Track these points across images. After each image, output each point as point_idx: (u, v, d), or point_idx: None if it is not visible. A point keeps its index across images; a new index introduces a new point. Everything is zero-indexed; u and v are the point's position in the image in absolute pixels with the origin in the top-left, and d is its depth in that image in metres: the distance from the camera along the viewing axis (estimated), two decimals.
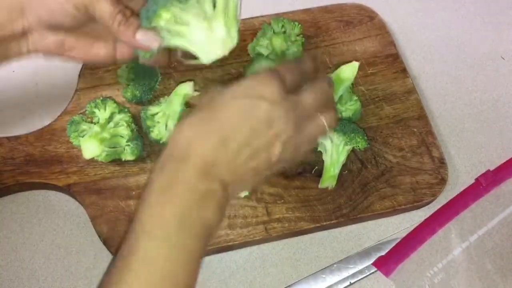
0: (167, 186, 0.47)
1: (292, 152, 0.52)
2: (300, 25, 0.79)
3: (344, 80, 0.73)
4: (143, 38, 0.54)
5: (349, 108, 0.74)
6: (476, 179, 0.72)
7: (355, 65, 0.72)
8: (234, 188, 0.50)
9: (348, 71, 0.73)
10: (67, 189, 0.69)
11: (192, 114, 0.50)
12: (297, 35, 0.79)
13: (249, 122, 0.49)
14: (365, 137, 0.71)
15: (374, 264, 0.67)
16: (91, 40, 0.58)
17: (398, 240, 0.68)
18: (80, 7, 0.53)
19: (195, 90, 0.72)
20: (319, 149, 0.71)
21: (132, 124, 0.70)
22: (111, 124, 0.70)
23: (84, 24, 0.56)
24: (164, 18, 0.53)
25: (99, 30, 0.57)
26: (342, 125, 0.70)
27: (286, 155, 0.51)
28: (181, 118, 0.51)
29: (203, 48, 0.55)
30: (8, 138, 0.72)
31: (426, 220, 0.69)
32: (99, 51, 0.58)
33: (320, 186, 0.70)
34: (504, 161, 0.74)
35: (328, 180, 0.69)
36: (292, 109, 0.50)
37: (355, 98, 0.75)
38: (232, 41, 0.56)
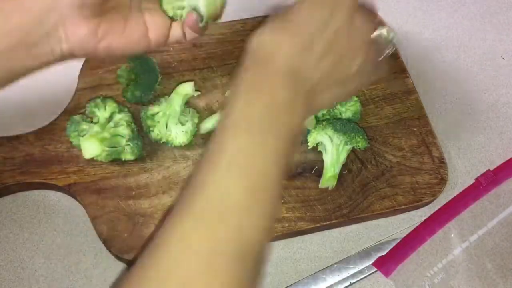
0: (252, 87, 0.46)
1: (370, 66, 0.53)
2: None
3: None
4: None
5: (349, 108, 0.74)
6: (476, 179, 0.72)
7: None
8: (316, 100, 0.50)
9: None
10: (67, 189, 0.69)
11: (272, 20, 0.49)
12: None
13: (331, 28, 0.49)
14: (365, 137, 0.71)
15: (374, 264, 0.67)
16: (122, 20, 0.54)
17: (398, 240, 0.68)
18: None
19: (195, 90, 0.72)
20: (319, 149, 0.71)
21: (132, 124, 0.70)
22: (111, 124, 0.70)
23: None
24: None
25: (132, 18, 0.55)
26: (342, 125, 0.70)
27: (366, 67, 0.53)
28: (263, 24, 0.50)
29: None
30: (8, 138, 0.72)
31: (426, 220, 0.70)
32: (132, 33, 0.55)
33: (320, 186, 0.70)
34: (504, 161, 0.75)
35: (328, 180, 0.69)
36: (364, 24, 0.52)
37: (355, 98, 0.75)
38: None
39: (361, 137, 0.70)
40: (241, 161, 0.43)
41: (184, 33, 0.57)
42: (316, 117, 0.73)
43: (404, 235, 0.70)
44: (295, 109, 0.47)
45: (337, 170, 0.70)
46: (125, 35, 0.54)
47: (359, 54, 0.52)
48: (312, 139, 0.71)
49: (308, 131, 0.71)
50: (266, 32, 0.49)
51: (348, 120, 0.72)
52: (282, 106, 0.46)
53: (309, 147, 0.71)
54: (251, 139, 0.44)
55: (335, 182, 0.70)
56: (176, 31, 0.57)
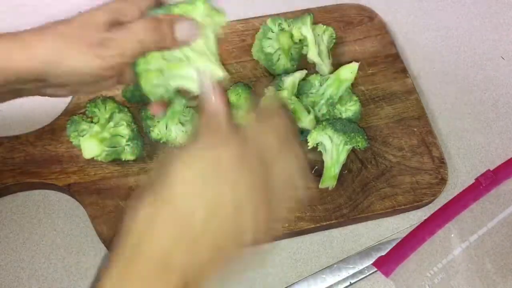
0: (125, 277, 0.41)
1: (271, 217, 0.45)
2: (332, 28, 0.80)
3: (344, 81, 0.73)
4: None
5: (349, 108, 0.74)
6: (476, 179, 0.72)
7: (354, 66, 0.73)
8: (200, 279, 0.42)
9: (348, 72, 0.73)
10: (67, 189, 0.69)
11: (145, 193, 0.43)
12: (332, 38, 0.80)
13: (207, 199, 0.42)
14: (365, 137, 0.71)
15: (374, 264, 0.67)
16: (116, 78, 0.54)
17: (398, 240, 0.68)
18: (118, 64, 0.49)
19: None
20: (319, 149, 0.71)
21: (132, 124, 0.70)
22: (111, 124, 0.70)
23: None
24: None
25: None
26: (342, 125, 0.70)
27: (261, 224, 0.44)
28: (133, 200, 0.44)
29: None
30: (8, 138, 0.72)
31: (425, 220, 0.69)
32: (106, 85, 0.54)
33: (320, 186, 0.70)
34: (504, 161, 0.75)
35: (328, 180, 0.69)
36: (256, 172, 0.44)
37: (355, 98, 0.75)
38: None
39: (361, 137, 0.70)
40: None
41: None
42: (316, 117, 0.73)
43: (404, 235, 0.70)
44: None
45: (337, 170, 0.70)
46: (97, 88, 0.54)
47: (250, 222, 0.43)
48: (312, 139, 0.71)
49: (308, 131, 0.71)
50: (138, 215, 0.42)
51: (348, 120, 0.72)
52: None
53: (309, 147, 0.71)
54: None
55: (335, 182, 0.70)
56: None
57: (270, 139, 0.47)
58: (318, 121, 0.73)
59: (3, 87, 0.49)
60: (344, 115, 0.74)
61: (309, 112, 0.72)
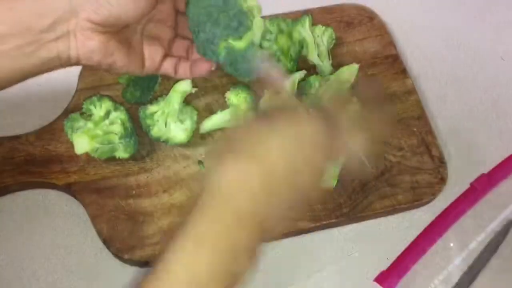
0: (202, 234, 0.45)
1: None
2: (331, 28, 0.80)
3: (344, 82, 0.73)
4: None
5: (350, 110, 0.74)
6: (471, 184, 0.72)
7: (354, 67, 0.73)
8: (267, 234, 0.49)
9: (348, 73, 0.73)
10: (67, 189, 0.70)
11: (232, 152, 0.48)
12: (332, 39, 0.80)
13: (293, 166, 0.48)
14: None
15: (376, 280, 0.67)
16: (128, 43, 0.56)
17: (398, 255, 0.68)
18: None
19: (193, 87, 0.72)
20: None
21: (127, 122, 0.70)
22: (106, 122, 0.70)
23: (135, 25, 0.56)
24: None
25: (134, 41, 0.57)
26: None
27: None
28: (218, 151, 0.50)
29: None
30: (8, 138, 0.72)
31: (423, 231, 0.69)
32: (135, 56, 0.57)
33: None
34: (497, 163, 0.75)
35: (329, 180, 0.69)
36: (331, 143, 0.51)
37: (355, 100, 0.74)
38: None
39: None
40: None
41: (175, 70, 0.60)
42: None
43: (404, 234, 0.70)
44: (243, 254, 0.47)
45: (338, 170, 0.70)
46: (128, 56, 0.56)
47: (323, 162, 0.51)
48: None
49: None
50: (227, 169, 0.47)
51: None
52: (229, 256, 0.46)
53: None
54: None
55: (335, 182, 0.70)
56: (167, 65, 0.59)
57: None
58: None
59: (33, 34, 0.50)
60: None
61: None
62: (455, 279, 0.66)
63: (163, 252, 0.45)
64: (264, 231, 0.48)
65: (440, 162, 0.72)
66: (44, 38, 0.51)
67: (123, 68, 0.56)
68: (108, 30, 0.53)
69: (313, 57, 0.76)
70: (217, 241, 0.45)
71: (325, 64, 0.77)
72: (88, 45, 0.52)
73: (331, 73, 0.76)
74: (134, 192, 0.69)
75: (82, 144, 0.68)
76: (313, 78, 0.74)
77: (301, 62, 0.78)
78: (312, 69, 0.78)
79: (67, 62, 0.54)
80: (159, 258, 0.45)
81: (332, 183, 0.69)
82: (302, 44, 0.77)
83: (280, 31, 0.77)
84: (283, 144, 0.48)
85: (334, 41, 0.80)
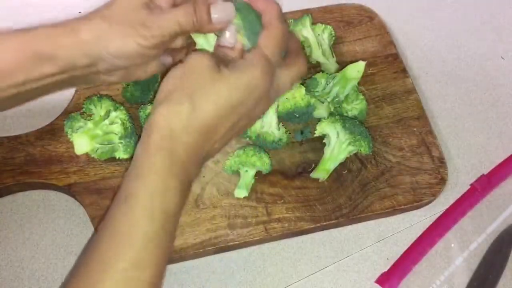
0: (167, 168, 0.47)
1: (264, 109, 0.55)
2: (330, 27, 0.80)
3: (351, 79, 0.73)
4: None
5: (355, 107, 0.74)
6: (471, 185, 0.72)
7: (361, 64, 0.73)
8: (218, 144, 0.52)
9: (355, 70, 0.73)
10: (67, 189, 0.69)
11: (176, 94, 0.49)
12: (332, 36, 0.80)
13: (236, 113, 0.50)
14: (370, 145, 0.70)
15: (377, 281, 0.67)
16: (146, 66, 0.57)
17: (399, 256, 0.68)
18: (158, 44, 0.52)
19: None
20: (324, 140, 0.71)
21: (127, 122, 0.70)
22: (106, 122, 0.70)
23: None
24: None
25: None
26: (352, 125, 0.70)
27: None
28: (168, 88, 0.50)
29: None
30: (8, 138, 0.72)
31: (424, 232, 0.70)
32: (153, 67, 0.57)
33: (311, 175, 0.70)
34: (497, 164, 0.75)
35: (321, 172, 0.69)
36: (277, 89, 0.54)
37: (361, 97, 0.75)
38: None
39: (366, 142, 0.69)
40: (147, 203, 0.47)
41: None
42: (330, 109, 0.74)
43: (404, 235, 0.70)
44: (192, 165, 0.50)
45: (333, 166, 0.70)
46: (146, 71, 0.57)
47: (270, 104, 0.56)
48: (320, 128, 0.71)
49: (307, 132, 0.72)
50: (174, 106, 0.49)
51: (361, 123, 0.72)
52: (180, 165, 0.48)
53: (315, 135, 0.71)
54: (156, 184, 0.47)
55: (327, 177, 0.70)
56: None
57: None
58: (331, 113, 0.73)
59: (57, 76, 0.51)
60: (350, 114, 0.74)
61: (322, 102, 0.72)
62: (456, 279, 0.67)
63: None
64: (204, 161, 0.51)
65: (440, 163, 0.72)
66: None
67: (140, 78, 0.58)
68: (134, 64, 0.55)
69: (317, 56, 0.77)
70: (179, 174, 0.48)
71: (330, 62, 0.77)
72: (109, 80, 0.56)
73: (337, 71, 0.76)
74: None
75: (82, 144, 0.68)
76: (319, 76, 0.74)
77: None
78: (312, 69, 0.78)
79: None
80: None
81: (324, 176, 0.69)
82: (303, 44, 0.77)
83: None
84: (229, 94, 0.49)
85: (334, 38, 0.80)
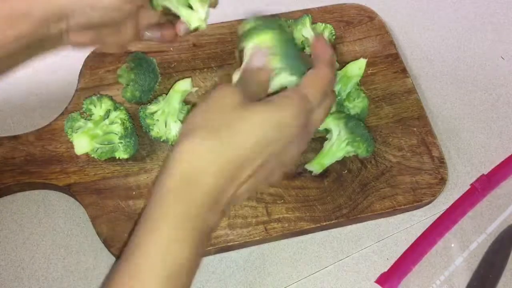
0: (177, 216, 0.45)
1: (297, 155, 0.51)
2: (331, 25, 0.80)
3: (352, 77, 0.73)
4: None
5: (357, 105, 0.74)
6: (471, 185, 0.72)
7: (362, 62, 0.73)
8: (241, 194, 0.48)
9: (356, 68, 0.73)
10: (67, 189, 0.69)
11: (200, 130, 0.46)
12: (332, 34, 0.80)
13: (265, 152, 0.47)
14: (369, 149, 0.70)
15: (377, 281, 0.67)
16: (117, 28, 0.57)
17: (399, 256, 0.68)
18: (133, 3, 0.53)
19: (193, 87, 0.72)
20: (326, 135, 0.72)
21: (127, 122, 0.70)
22: (106, 121, 0.70)
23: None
24: None
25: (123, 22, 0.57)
26: (355, 125, 0.70)
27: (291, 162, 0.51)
28: (185, 128, 0.48)
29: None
30: (8, 138, 0.72)
31: (425, 232, 0.70)
32: (126, 32, 0.57)
33: (305, 166, 0.70)
34: (497, 164, 0.75)
35: (316, 165, 0.70)
36: (308, 130, 0.51)
37: (363, 95, 0.74)
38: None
39: (364, 145, 0.69)
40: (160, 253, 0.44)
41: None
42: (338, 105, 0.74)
43: (404, 235, 0.70)
44: (212, 215, 0.46)
45: (328, 161, 0.70)
46: (121, 36, 0.57)
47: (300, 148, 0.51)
48: (324, 122, 0.70)
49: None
50: (194, 148, 0.46)
51: (358, 117, 0.72)
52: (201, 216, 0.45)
53: (319, 129, 0.71)
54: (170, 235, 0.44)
55: (320, 171, 0.70)
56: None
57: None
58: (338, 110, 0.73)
59: (29, 37, 0.51)
60: (352, 112, 0.74)
61: None
62: (457, 279, 0.67)
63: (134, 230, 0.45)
64: (225, 211, 0.48)
65: (440, 163, 0.72)
66: (39, 39, 0.53)
67: (117, 47, 0.59)
68: (96, 27, 0.55)
69: None
70: (194, 223, 0.44)
71: None
72: (78, 40, 0.55)
73: (338, 69, 0.76)
74: (134, 193, 0.69)
75: (82, 144, 0.68)
76: None
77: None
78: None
79: (62, 47, 0.56)
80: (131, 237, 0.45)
81: (318, 169, 0.70)
82: (304, 44, 0.77)
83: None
84: (259, 131, 0.47)
85: (334, 37, 0.80)
